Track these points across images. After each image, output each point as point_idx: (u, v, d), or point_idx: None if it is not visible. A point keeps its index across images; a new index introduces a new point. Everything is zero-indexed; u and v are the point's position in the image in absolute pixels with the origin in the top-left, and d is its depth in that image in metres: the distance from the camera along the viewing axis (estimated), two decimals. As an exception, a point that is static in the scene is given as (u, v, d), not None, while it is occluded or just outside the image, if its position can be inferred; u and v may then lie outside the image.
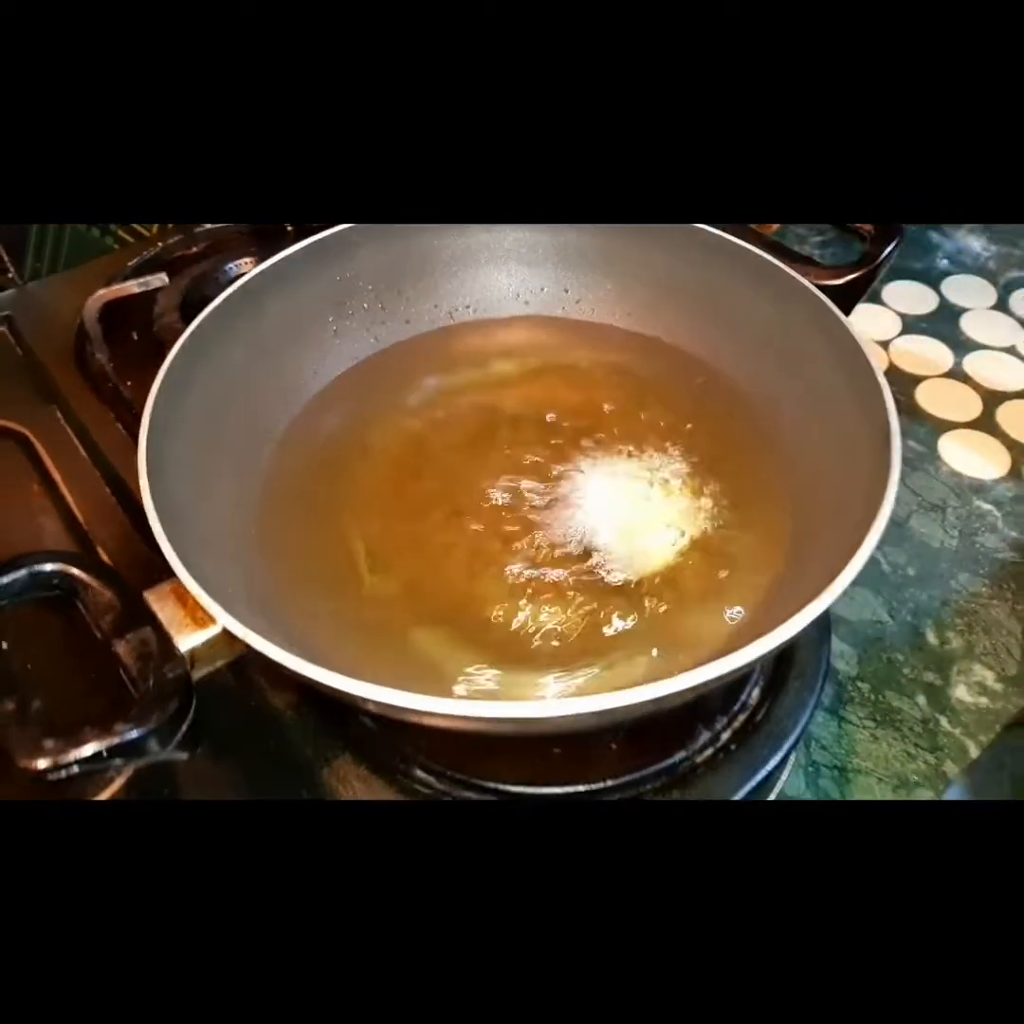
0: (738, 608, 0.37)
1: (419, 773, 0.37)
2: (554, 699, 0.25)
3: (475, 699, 0.25)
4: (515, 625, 0.37)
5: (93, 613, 0.29)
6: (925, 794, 0.45)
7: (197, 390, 0.39)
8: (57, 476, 0.50)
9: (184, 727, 0.27)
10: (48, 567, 0.29)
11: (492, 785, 0.37)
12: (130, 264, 0.65)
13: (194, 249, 0.67)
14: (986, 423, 0.61)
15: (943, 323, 0.67)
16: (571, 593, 0.38)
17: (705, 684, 0.25)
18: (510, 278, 0.49)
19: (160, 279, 0.59)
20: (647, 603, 0.38)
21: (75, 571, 0.29)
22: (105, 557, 0.45)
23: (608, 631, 0.37)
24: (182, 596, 0.30)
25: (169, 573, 0.31)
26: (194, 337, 0.39)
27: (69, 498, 0.49)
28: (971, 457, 0.59)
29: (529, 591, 0.38)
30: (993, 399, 0.62)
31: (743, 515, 0.40)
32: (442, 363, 0.47)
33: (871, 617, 0.52)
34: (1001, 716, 0.47)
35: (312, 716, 0.39)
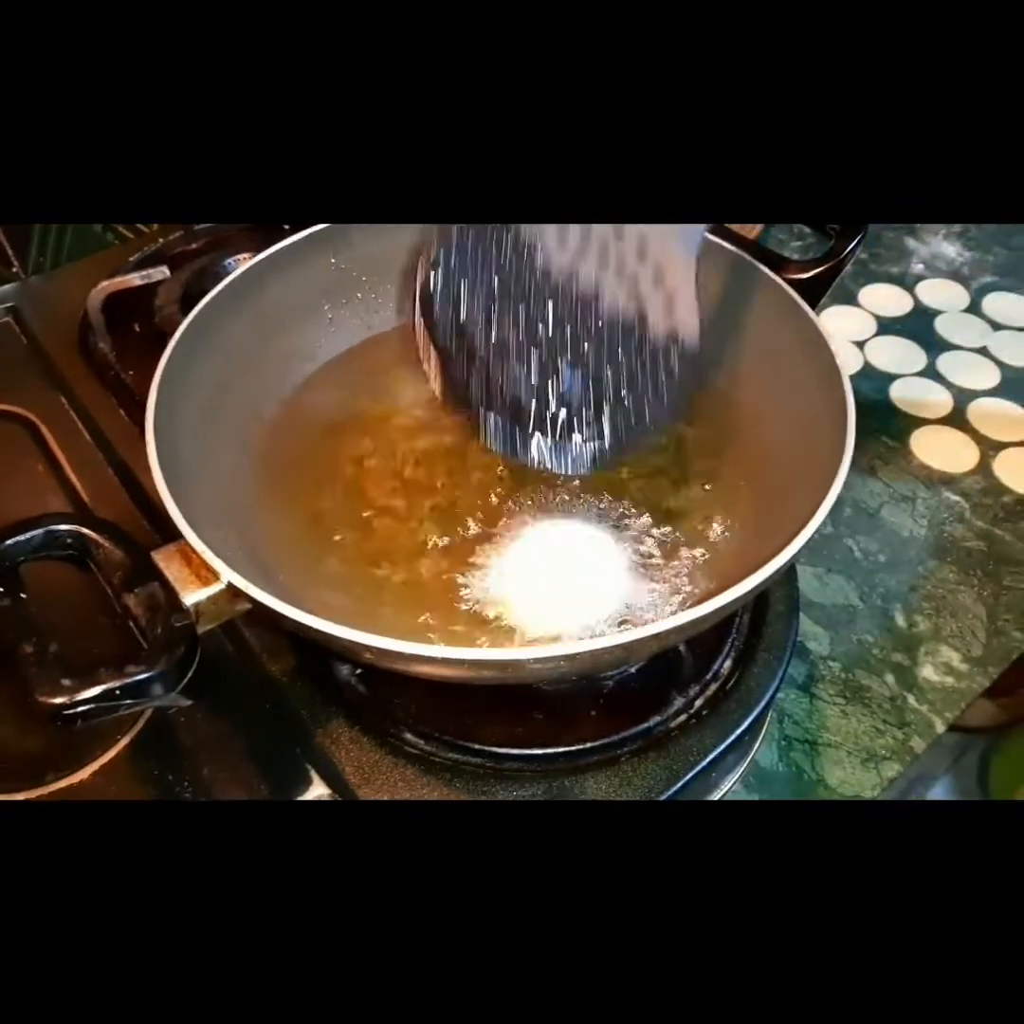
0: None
1: (408, 736, 0.39)
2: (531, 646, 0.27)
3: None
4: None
5: (104, 570, 0.31)
6: (893, 767, 0.47)
7: (199, 369, 0.41)
8: (62, 458, 0.52)
9: (190, 673, 0.29)
10: (63, 527, 0.31)
11: (478, 746, 0.38)
12: (132, 258, 0.66)
13: (194, 245, 0.69)
14: (957, 419, 0.63)
15: (917, 324, 0.70)
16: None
17: (675, 630, 0.27)
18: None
19: (161, 272, 0.61)
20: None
21: (87, 531, 0.31)
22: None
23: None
24: (187, 555, 0.32)
25: (173, 540, 0.33)
26: (198, 319, 0.41)
27: (74, 478, 0.51)
28: (942, 451, 0.61)
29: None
30: (964, 397, 0.65)
31: (711, 491, 0.42)
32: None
33: (843, 601, 0.54)
34: (966, 695, 0.50)
35: (307, 681, 0.41)
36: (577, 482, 0.43)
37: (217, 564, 0.30)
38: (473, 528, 0.41)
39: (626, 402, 0.36)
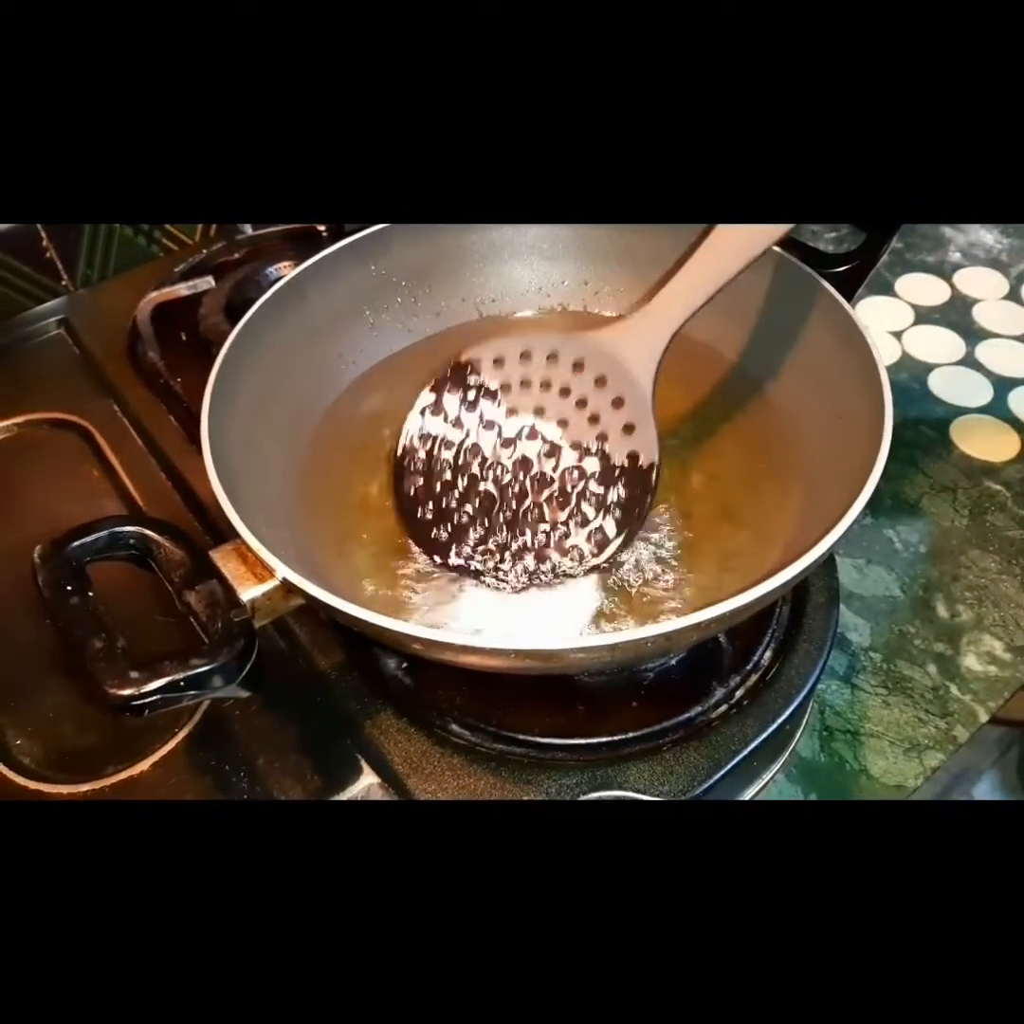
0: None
1: (454, 727, 0.40)
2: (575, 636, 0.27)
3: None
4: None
5: (165, 569, 0.32)
6: (936, 756, 0.47)
7: (247, 377, 0.42)
8: (115, 463, 0.54)
9: (248, 666, 0.30)
10: (126, 528, 0.33)
11: (522, 736, 0.39)
12: (177, 269, 0.69)
13: (236, 255, 0.71)
14: (997, 408, 0.63)
15: (955, 313, 0.69)
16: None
17: (716, 619, 0.28)
18: (532, 273, 0.52)
19: (207, 282, 0.63)
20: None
21: (149, 532, 0.33)
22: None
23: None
24: (243, 554, 0.33)
25: (225, 541, 0.35)
26: (245, 329, 0.43)
27: (127, 482, 0.53)
28: (982, 440, 0.61)
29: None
30: (1004, 385, 0.64)
31: (750, 488, 0.43)
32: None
33: (884, 592, 0.54)
34: (1010, 684, 0.49)
35: (355, 675, 0.42)
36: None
37: (272, 561, 0.31)
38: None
39: (593, 522, 0.39)
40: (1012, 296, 0.71)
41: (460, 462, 0.41)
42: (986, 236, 0.76)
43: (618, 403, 0.40)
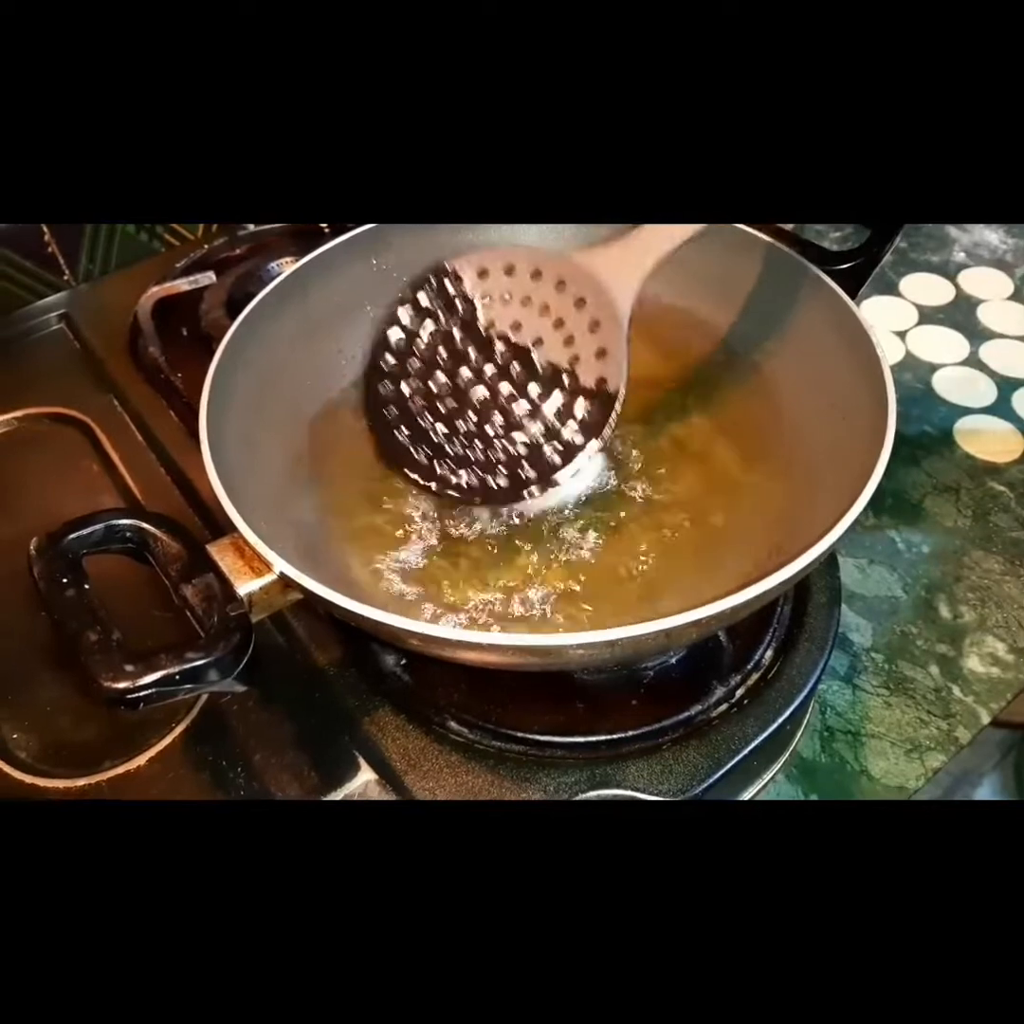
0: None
1: (453, 724, 0.40)
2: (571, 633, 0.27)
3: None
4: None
5: (162, 562, 0.32)
6: (938, 758, 0.47)
7: (247, 371, 0.42)
8: (115, 458, 0.54)
9: (245, 659, 0.30)
10: (122, 521, 0.32)
11: (521, 734, 0.39)
12: (178, 265, 0.68)
13: (238, 250, 0.71)
14: (1001, 409, 0.62)
15: (959, 314, 0.69)
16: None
17: (715, 616, 0.28)
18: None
19: (208, 278, 0.63)
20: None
21: (146, 525, 0.32)
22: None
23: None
24: (240, 548, 0.33)
25: (224, 535, 0.34)
26: (245, 323, 0.43)
27: (127, 477, 0.53)
28: (986, 441, 0.60)
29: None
30: (1008, 386, 0.64)
31: (752, 486, 0.43)
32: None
33: (886, 592, 0.54)
34: (1013, 685, 0.49)
35: (353, 672, 0.42)
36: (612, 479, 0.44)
37: (270, 555, 0.31)
38: (514, 523, 0.42)
39: (557, 438, 0.40)
40: (1017, 296, 0.70)
41: (435, 377, 0.42)
42: (991, 236, 0.76)
43: (594, 327, 0.40)
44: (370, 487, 0.44)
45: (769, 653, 0.42)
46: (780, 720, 0.39)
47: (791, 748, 0.45)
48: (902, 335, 0.68)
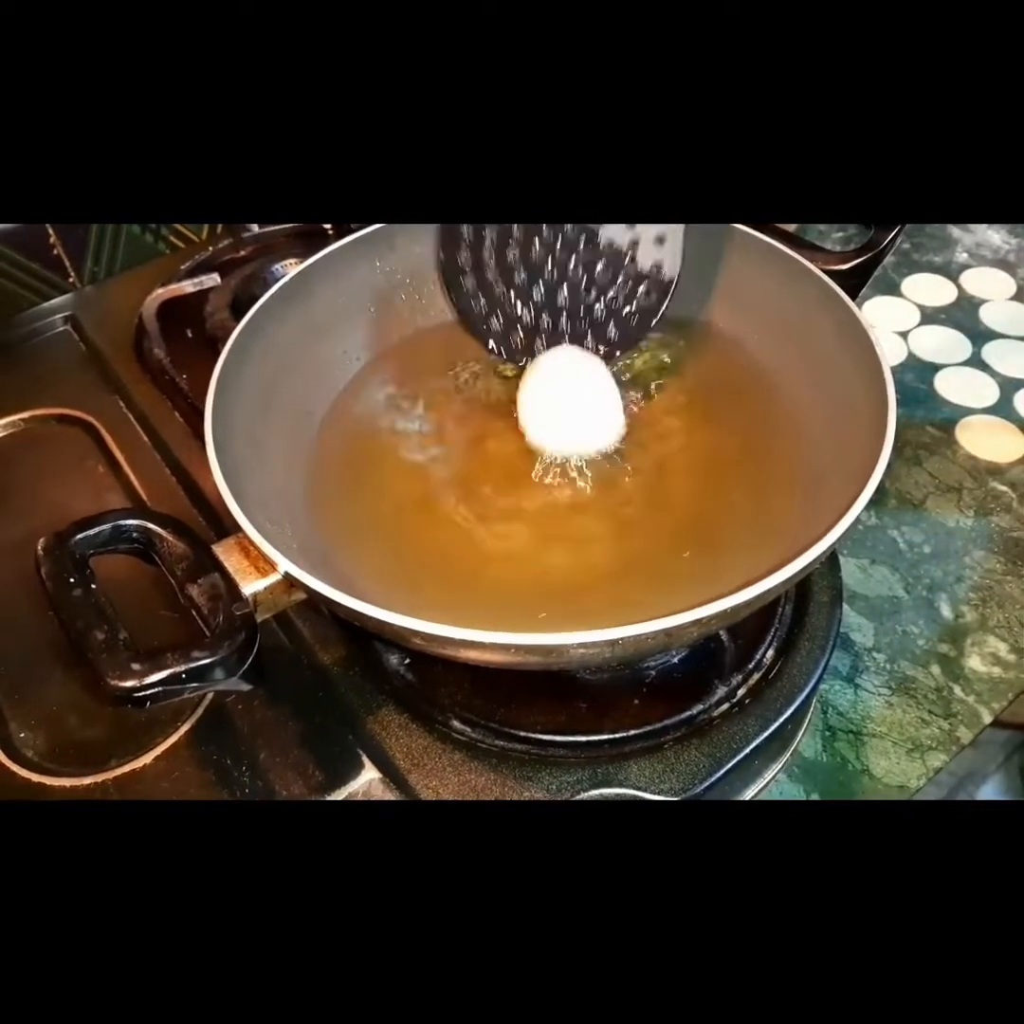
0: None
1: (456, 723, 0.40)
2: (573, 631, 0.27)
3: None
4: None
5: (168, 562, 0.32)
6: (939, 757, 0.47)
7: (251, 372, 0.43)
8: (121, 458, 0.54)
9: (250, 658, 0.30)
10: (129, 521, 0.33)
11: (523, 733, 0.39)
12: (183, 266, 0.69)
13: (242, 252, 0.71)
14: (1003, 409, 0.62)
15: (962, 314, 0.69)
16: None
17: (717, 615, 0.28)
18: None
19: (213, 279, 0.64)
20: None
21: (152, 525, 0.33)
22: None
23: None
24: (246, 548, 0.33)
25: (229, 535, 0.35)
26: (249, 325, 0.43)
27: (132, 477, 0.53)
28: (987, 441, 0.61)
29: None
30: (1011, 386, 0.64)
31: (752, 484, 0.43)
32: (474, 350, 0.50)
33: (887, 592, 0.54)
34: (1014, 685, 0.49)
35: (357, 671, 0.42)
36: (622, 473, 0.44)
37: (274, 555, 0.31)
38: (517, 513, 0.42)
39: (616, 313, 0.45)
40: (1019, 297, 0.70)
41: (508, 254, 0.46)
42: (993, 236, 0.76)
43: None
44: (378, 487, 0.44)
45: (771, 653, 0.42)
46: (781, 719, 0.39)
47: (793, 747, 0.46)
48: (904, 335, 0.68)
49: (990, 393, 0.63)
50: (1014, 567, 0.54)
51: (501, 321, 0.47)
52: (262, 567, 0.33)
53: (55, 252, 0.70)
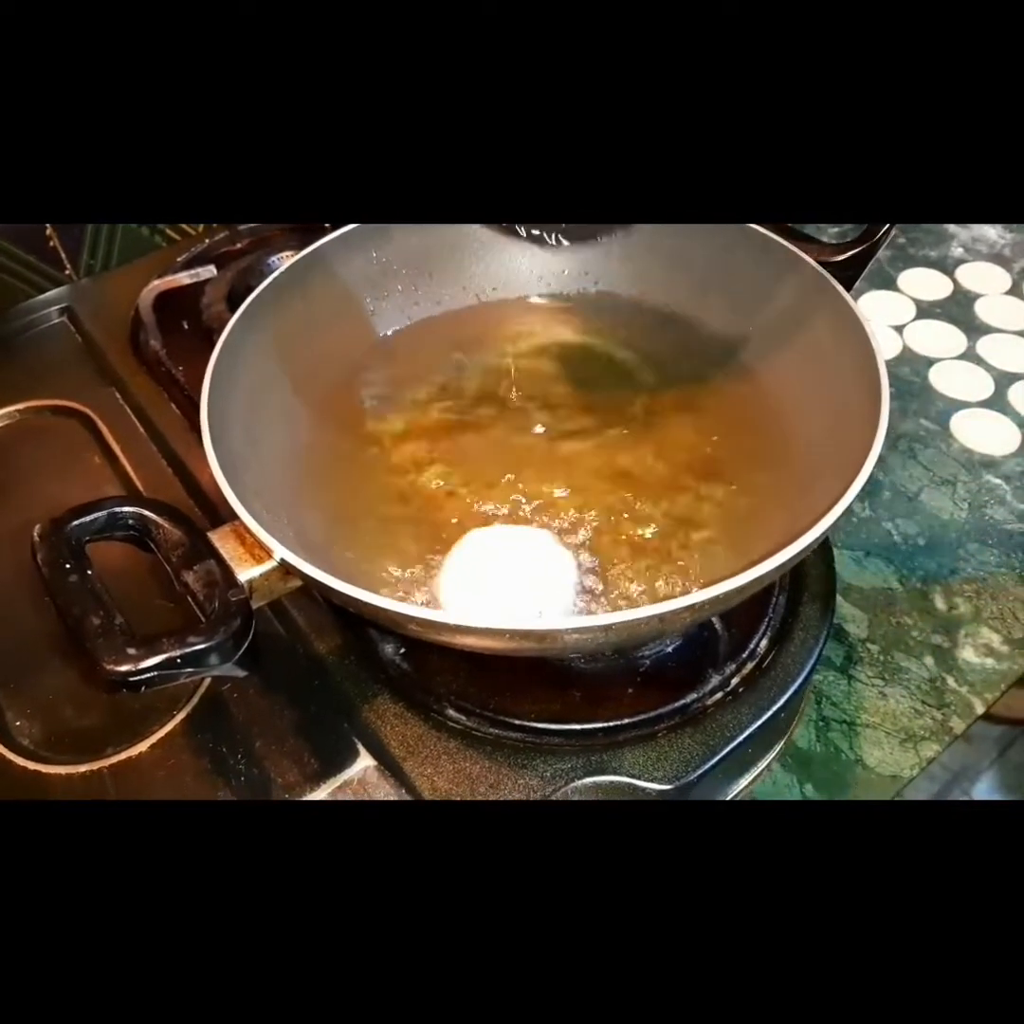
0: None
1: (451, 711, 0.40)
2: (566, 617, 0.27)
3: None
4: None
5: (164, 549, 0.33)
6: (932, 747, 0.47)
7: (247, 363, 0.43)
8: (117, 450, 0.54)
9: (245, 644, 0.30)
10: (125, 509, 0.33)
11: (518, 721, 0.40)
12: (179, 259, 0.69)
13: (238, 244, 0.71)
14: (998, 402, 0.63)
15: (957, 308, 0.69)
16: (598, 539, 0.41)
17: (709, 602, 0.28)
18: (532, 261, 0.52)
19: (209, 271, 0.64)
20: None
21: (148, 513, 0.33)
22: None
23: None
24: (241, 535, 0.33)
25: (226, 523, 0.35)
26: (245, 316, 0.43)
27: (129, 469, 0.53)
28: (982, 434, 0.61)
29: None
30: (1005, 380, 0.64)
31: (745, 475, 0.43)
32: (467, 342, 0.50)
33: (882, 584, 0.54)
34: (1007, 676, 0.50)
35: (353, 659, 0.42)
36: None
37: (270, 542, 0.31)
38: (516, 502, 0.43)
39: None
40: (1015, 291, 0.70)
41: None
42: (989, 231, 0.76)
43: None
44: (374, 476, 0.44)
45: (764, 642, 0.42)
46: (775, 708, 0.40)
47: (786, 737, 0.46)
48: (900, 329, 0.68)
49: (985, 387, 0.64)
50: (1007, 559, 0.54)
51: None
52: (258, 554, 0.33)
53: (51, 245, 0.70)
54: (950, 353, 0.66)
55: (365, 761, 0.39)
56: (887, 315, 0.69)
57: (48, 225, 0.69)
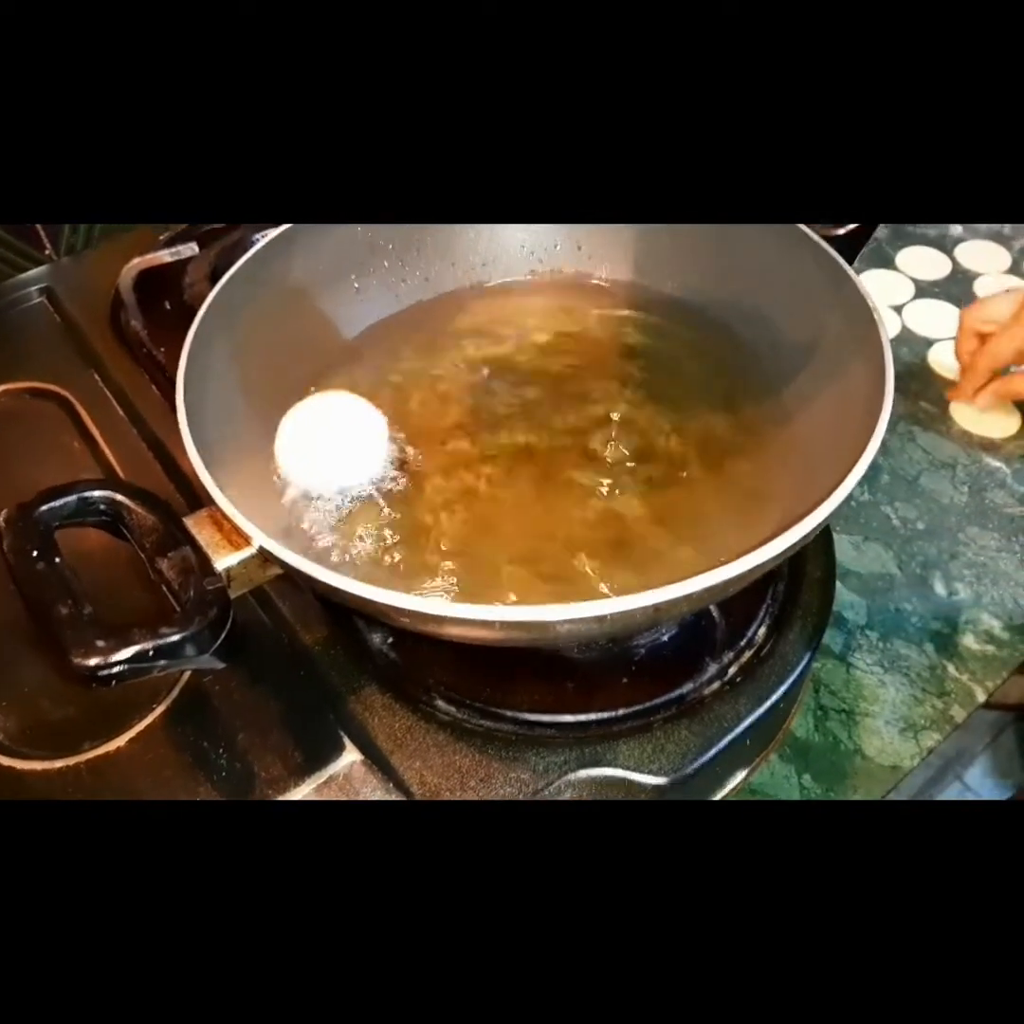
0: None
1: (440, 703, 0.39)
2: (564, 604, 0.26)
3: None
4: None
5: (137, 535, 0.31)
6: (932, 736, 0.46)
7: (226, 343, 0.41)
8: (96, 433, 0.53)
9: (223, 635, 0.29)
10: (96, 493, 0.31)
11: (509, 713, 0.38)
12: (161, 237, 0.67)
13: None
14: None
15: (956, 287, 0.68)
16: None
17: (705, 590, 0.27)
18: (525, 235, 0.50)
19: (191, 249, 0.62)
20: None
21: (120, 497, 0.31)
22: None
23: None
24: (218, 521, 0.32)
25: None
26: (223, 293, 0.41)
27: (108, 453, 0.51)
28: (982, 417, 0.60)
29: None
30: (1006, 361, 0.63)
31: (745, 458, 0.42)
32: (457, 322, 0.48)
33: (881, 570, 0.53)
34: (1008, 663, 0.49)
35: (339, 650, 0.41)
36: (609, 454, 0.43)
37: (248, 527, 0.30)
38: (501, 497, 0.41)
39: None
40: (1014, 270, 0.69)
41: None
42: (989, 210, 0.74)
43: None
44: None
45: (762, 630, 0.41)
46: (773, 698, 0.39)
47: (784, 727, 0.45)
48: (899, 309, 0.67)
49: (985, 368, 0.62)
50: (1008, 544, 0.53)
51: None
52: (236, 541, 0.31)
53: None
54: (950, 333, 0.65)
55: (351, 755, 0.38)
56: (886, 295, 0.68)
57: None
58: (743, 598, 0.42)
